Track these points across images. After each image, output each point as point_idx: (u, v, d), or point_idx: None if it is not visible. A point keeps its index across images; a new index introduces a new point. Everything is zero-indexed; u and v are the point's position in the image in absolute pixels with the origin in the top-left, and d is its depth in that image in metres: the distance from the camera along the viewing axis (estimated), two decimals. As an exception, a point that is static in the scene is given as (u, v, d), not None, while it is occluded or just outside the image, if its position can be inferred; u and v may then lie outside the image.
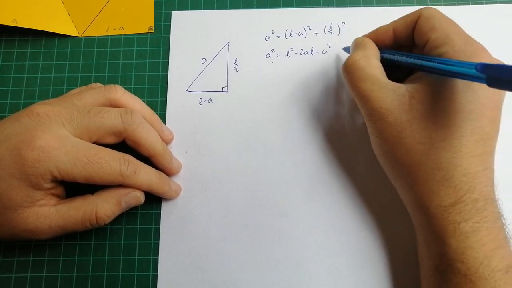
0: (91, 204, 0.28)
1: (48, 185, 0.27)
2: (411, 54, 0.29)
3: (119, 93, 0.30)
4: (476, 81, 0.23)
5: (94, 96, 0.30)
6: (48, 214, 0.27)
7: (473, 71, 0.23)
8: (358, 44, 0.31)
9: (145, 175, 0.29)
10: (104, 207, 0.28)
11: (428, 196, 0.26)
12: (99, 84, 0.33)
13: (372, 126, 0.28)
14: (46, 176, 0.26)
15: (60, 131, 0.27)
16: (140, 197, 0.30)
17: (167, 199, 0.32)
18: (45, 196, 0.27)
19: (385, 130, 0.27)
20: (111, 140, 0.29)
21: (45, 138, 0.26)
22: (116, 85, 0.31)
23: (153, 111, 0.33)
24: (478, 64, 0.23)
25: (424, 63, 0.27)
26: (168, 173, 0.32)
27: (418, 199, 0.27)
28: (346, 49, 0.35)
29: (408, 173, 0.27)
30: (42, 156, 0.26)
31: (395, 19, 0.31)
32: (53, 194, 0.28)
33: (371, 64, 0.29)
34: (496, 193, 0.26)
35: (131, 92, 0.35)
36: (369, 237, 0.31)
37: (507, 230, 0.26)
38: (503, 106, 0.27)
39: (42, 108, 0.27)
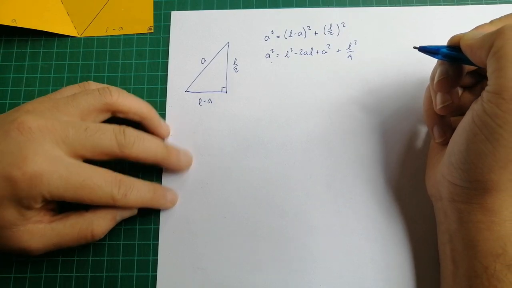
0: (86, 221, 0.28)
1: (40, 205, 0.26)
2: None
3: (114, 96, 0.30)
4: None
5: (90, 101, 0.29)
6: (43, 232, 0.27)
7: None
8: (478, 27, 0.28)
9: (137, 195, 0.29)
10: (99, 224, 0.28)
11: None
12: (92, 84, 0.32)
13: (493, 107, 0.23)
14: (38, 199, 0.26)
15: (54, 151, 0.26)
16: (134, 211, 0.31)
17: (166, 200, 0.32)
18: (38, 213, 0.27)
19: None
20: (105, 158, 0.28)
21: (38, 161, 0.25)
22: (110, 87, 0.30)
23: (150, 106, 0.32)
24: None
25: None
26: (178, 171, 0.32)
27: (491, 201, 0.25)
28: (423, 49, 0.29)
29: (502, 173, 0.24)
30: (34, 181, 0.25)
31: (394, 19, 0.30)
32: (46, 210, 0.28)
33: None
34: None
35: (130, 93, 0.35)
36: (369, 238, 0.31)
37: None
38: None
39: (34, 122, 0.26)
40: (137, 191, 0.29)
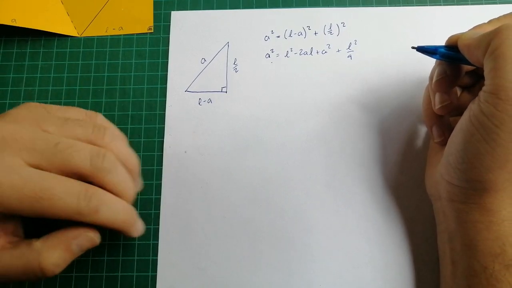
0: (33, 252, 0.23)
1: None
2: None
3: (106, 139, 0.26)
4: None
5: (78, 133, 0.25)
6: None
7: None
8: (477, 27, 0.28)
9: (109, 213, 0.25)
10: (50, 256, 0.23)
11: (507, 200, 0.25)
12: (99, 118, 0.29)
13: (490, 107, 0.23)
14: None
15: (11, 161, 0.23)
16: (93, 239, 0.25)
17: (165, 200, 0.32)
18: None
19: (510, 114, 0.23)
20: (75, 178, 0.25)
21: None
22: (109, 128, 0.27)
23: (137, 162, 0.28)
24: None
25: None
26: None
27: (489, 201, 0.25)
28: (421, 49, 0.29)
29: (500, 173, 0.24)
30: None
31: (394, 19, 0.30)
32: (1, 231, 0.24)
33: None
34: None
35: (129, 92, 0.35)
36: (368, 238, 0.31)
37: None
38: None
39: (4, 131, 0.23)
40: (108, 208, 0.25)
